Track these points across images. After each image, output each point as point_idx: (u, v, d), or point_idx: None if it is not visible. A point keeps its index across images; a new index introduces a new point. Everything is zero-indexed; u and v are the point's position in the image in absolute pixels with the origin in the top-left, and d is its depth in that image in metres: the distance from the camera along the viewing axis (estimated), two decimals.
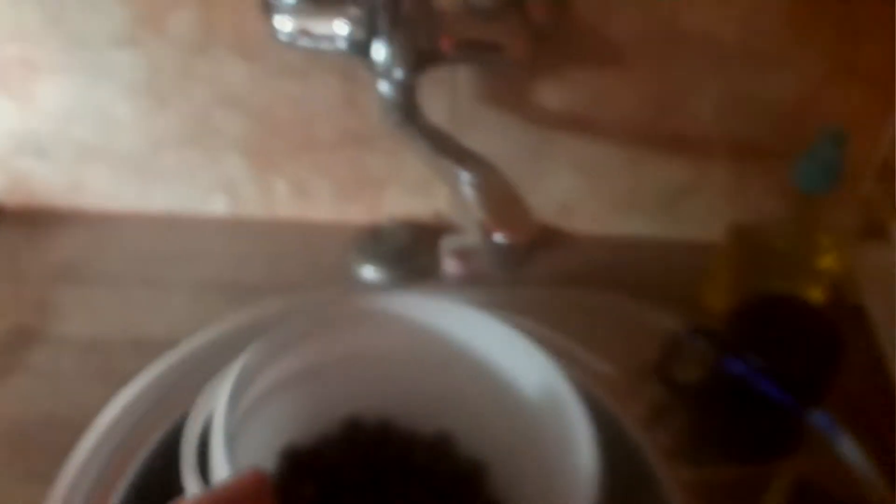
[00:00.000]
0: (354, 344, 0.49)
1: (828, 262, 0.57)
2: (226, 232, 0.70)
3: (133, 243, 0.69)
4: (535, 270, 0.63)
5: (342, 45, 0.54)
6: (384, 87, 0.54)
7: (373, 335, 0.49)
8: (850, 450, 0.51)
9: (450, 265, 0.64)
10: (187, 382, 0.55)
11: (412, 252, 0.65)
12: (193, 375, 0.56)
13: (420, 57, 0.54)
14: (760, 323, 0.51)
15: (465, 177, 0.46)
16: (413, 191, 0.68)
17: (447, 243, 0.65)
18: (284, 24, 0.55)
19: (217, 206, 0.71)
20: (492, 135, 0.64)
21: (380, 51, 0.53)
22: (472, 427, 0.50)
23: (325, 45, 0.55)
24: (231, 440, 0.39)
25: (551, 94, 0.62)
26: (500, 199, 0.43)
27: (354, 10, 0.53)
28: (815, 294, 0.59)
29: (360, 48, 0.54)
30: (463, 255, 0.64)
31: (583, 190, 0.67)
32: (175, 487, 0.54)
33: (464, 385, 0.49)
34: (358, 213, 0.70)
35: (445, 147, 0.51)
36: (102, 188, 0.71)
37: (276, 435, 0.49)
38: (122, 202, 0.71)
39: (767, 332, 0.50)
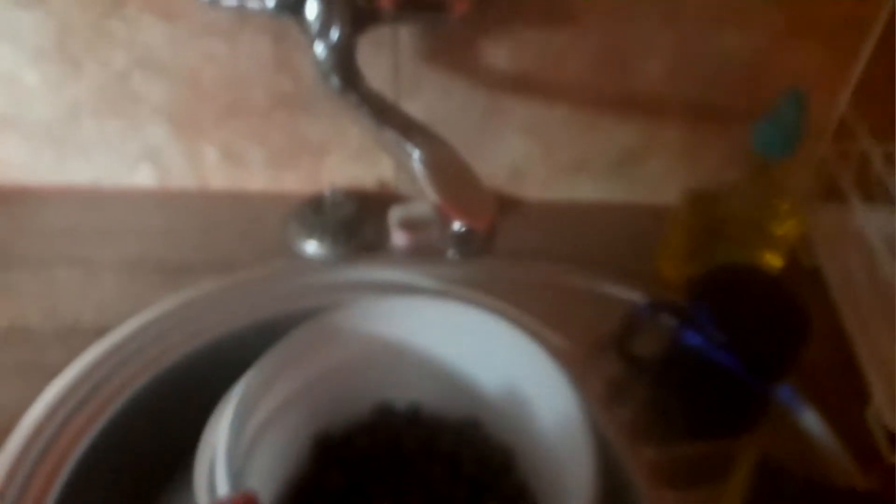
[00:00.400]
0: (377, 341, 0.50)
1: (786, 227, 0.56)
2: (154, 205, 0.66)
3: (53, 220, 0.64)
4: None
5: (270, 4, 0.50)
6: (320, 49, 0.50)
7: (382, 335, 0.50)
8: (812, 422, 0.50)
9: (398, 237, 0.61)
10: (121, 375, 0.52)
11: (357, 224, 0.62)
12: (128, 367, 0.52)
13: (357, 15, 0.49)
14: (721, 295, 0.49)
15: (413, 152, 0.43)
16: (355, 158, 0.64)
17: (394, 214, 0.62)
18: None
19: (143, 177, 0.66)
20: (437, 98, 0.60)
21: (313, 9, 0.48)
22: (497, 416, 0.51)
23: (252, 4, 0.50)
24: (237, 457, 0.40)
25: (498, 54, 0.58)
26: (454, 179, 0.39)
27: None
28: (773, 260, 0.58)
29: (290, 7, 0.49)
30: (412, 226, 0.61)
31: (534, 154, 0.64)
32: (113, 491, 0.51)
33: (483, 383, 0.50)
34: (296, 182, 0.66)
35: (390, 117, 0.47)
36: (17, 161, 0.65)
37: (310, 424, 0.49)
38: (39, 176, 0.66)
39: (729, 304, 0.49)
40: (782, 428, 0.51)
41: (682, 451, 0.49)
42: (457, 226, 0.36)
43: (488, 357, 0.49)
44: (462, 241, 0.36)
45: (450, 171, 0.40)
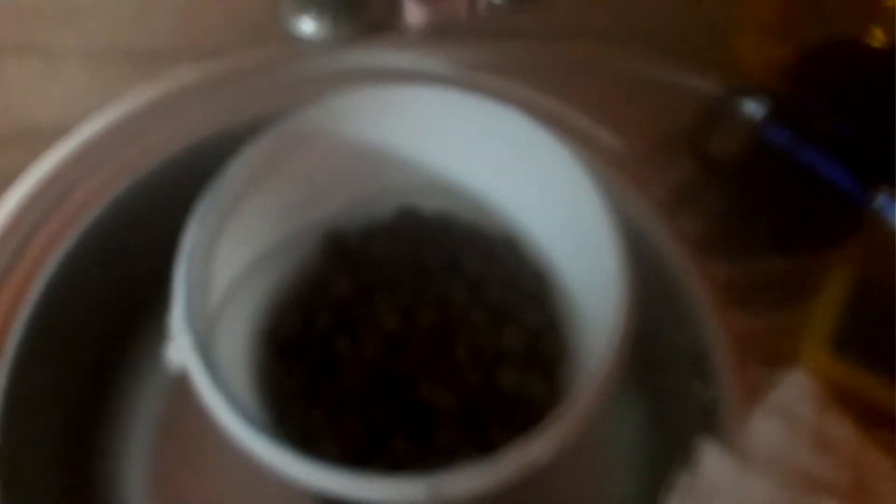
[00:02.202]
0: (392, 136, 0.42)
1: None
2: None
3: (4, 2, 0.53)
4: (522, 19, 0.49)
5: None
6: None
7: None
8: None
9: (413, 12, 0.50)
10: (91, 182, 0.44)
11: None
12: (100, 172, 0.44)
13: None
14: (817, 79, 0.39)
15: None
16: None
17: None
18: None
19: None
20: None
21: None
22: (532, 237, 0.43)
23: None
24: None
25: None
26: None
27: None
28: (878, 36, 0.46)
29: None
30: None
31: None
32: (90, 311, 0.44)
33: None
34: None
35: None
36: None
37: (322, 221, 0.43)
38: None
39: (826, 90, 0.39)
40: (878, 241, 0.42)
41: (760, 266, 0.41)
42: None
43: (523, 165, 0.40)
44: None
45: None
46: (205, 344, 0.32)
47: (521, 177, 0.41)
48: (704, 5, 0.52)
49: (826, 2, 0.45)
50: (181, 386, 0.32)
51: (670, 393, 0.43)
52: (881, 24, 0.45)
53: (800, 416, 0.34)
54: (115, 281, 0.45)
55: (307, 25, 0.50)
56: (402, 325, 0.39)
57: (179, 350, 0.31)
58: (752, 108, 0.44)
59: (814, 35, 0.42)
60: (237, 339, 0.37)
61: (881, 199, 0.42)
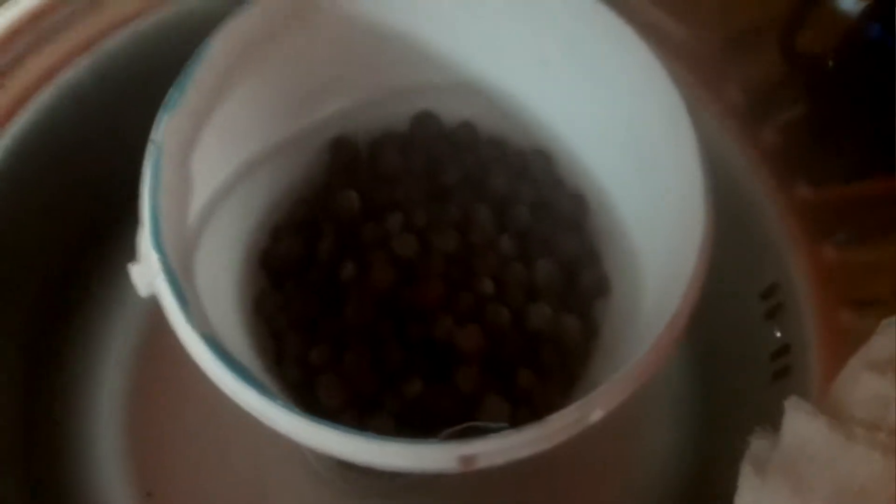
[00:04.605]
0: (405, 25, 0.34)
1: None
2: None
3: None
4: None
5: None
6: None
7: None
8: None
9: None
10: (35, 55, 0.36)
11: None
12: (44, 45, 0.36)
13: None
14: None
15: None
16: None
17: None
18: None
19: None
20: None
21: None
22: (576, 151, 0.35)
23: None
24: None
25: None
26: None
27: None
28: None
29: None
30: None
31: None
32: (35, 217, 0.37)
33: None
34: None
35: None
36: None
37: (327, 125, 0.35)
38: None
39: None
40: None
41: (851, 188, 0.34)
42: None
43: (572, 58, 0.33)
44: None
45: None
46: (181, 267, 0.26)
47: (567, 74, 0.33)
48: None
49: None
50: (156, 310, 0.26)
51: (731, 333, 0.37)
52: None
53: None
54: (70, 187, 0.38)
55: None
56: (418, 251, 0.32)
57: (148, 275, 0.25)
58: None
59: None
60: (222, 263, 0.31)
61: None
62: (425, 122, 0.37)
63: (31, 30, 0.36)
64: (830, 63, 0.35)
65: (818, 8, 0.35)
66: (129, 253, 0.26)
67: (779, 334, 0.33)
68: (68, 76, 0.36)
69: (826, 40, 0.35)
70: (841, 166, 0.35)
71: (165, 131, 0.27)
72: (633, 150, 0.32)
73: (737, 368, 0.36)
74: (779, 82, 0.36)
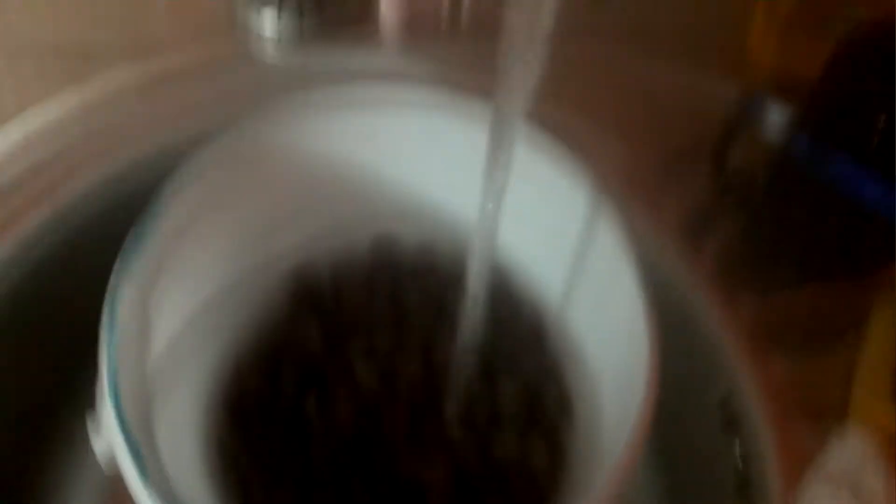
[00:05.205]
0: (359, 154, 0.35)
1: None
2: None
3: None
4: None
5: None
6: None
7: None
8: None
9: (389, 7, 0.44)
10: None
11: None
12: (9, 195, 0.37)
13: None
14: (850, 79, 0.34)
15: None
16: None
17: None
18: None
19: None
20: None
21: None
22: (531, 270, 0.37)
23: None
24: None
25: None
26: None
27: None
28: None
29: None
30: None
31: None
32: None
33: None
34: None
35: None
36: None
37: (290, 255, 0.36)
38: None
39: (862, 91, 0.33)
40: None
41: (793, 299, 0.36)
42: None
43: (519, 185, 0.34)
44: None
45: None
46: (139, 417, 0.25)
47: (517, 199, 0.35)
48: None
49: None
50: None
51: (695, 454, 0.38)
52: None
53: (866, 484, 0.28)
54: (29, 337, 0.37)
55: (266, 20, 0.43)
56: (381, 381, 0.33)
57: (105, 433, 0.25)
58: (778, 116, 0.39)
59: (841, 25, 0.37)
60: (185, 403, 0.30)
61: None
62: (385, 247, 0.38)
63: None
64: (762, 179, 0.37)
65: (749, 127, 0.37)
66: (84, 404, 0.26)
67: (738, 447, 0.34)
68: (31, 224, 0.36)
69: (756, 157, 0.38)
70: (781, 277, 0.36)
71: (122, 281, 0.27)
72: (582, 273, 0.33)
73: (701, 482, 0.37)
74: (716, 199, 0.38)
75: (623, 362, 0.29)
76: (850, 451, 0.30)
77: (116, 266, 0.27)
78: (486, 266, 0.30)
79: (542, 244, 0.36)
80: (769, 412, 0.33)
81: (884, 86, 0.33)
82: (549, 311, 0.36)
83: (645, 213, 0.38)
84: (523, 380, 0.34)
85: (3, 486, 0.36)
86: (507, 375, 0.34)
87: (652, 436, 0.39)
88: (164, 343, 0.29)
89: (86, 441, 0.26)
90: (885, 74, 0.33)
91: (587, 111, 0.41)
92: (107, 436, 0.25)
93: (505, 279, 0.37)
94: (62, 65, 0.42)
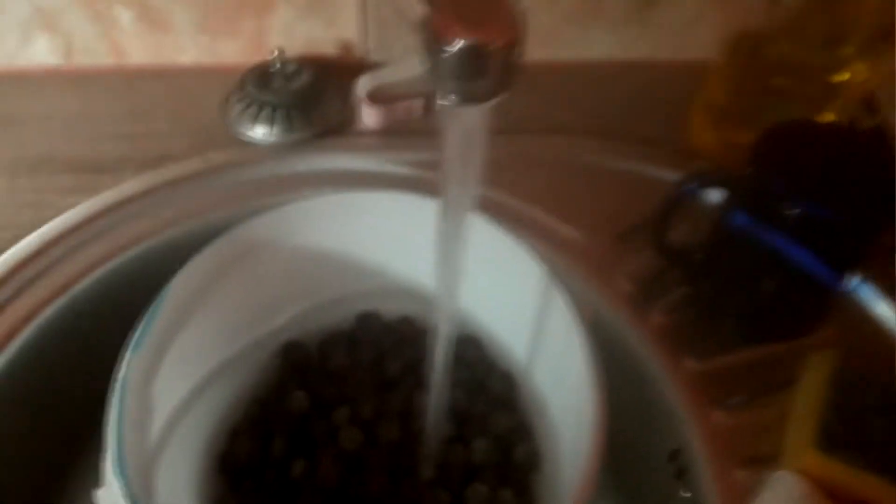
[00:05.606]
0: (348, 243, 0.40)
1: (850, 75, 0.45)
2: (57, 87, 0.53)
3: None
4: None
5: None
6: None
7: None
8: (890, 317, 0.41)
9: (368, 115, 0.49)
10: (23, 302, 0.41)
11: (314, 99, 0.49)
12: (31, 292, 0.41)
13: None
14: (776, 162, 0.38)
15: None
16: (308, 12, 0.51)
17: (363, 84, 0.50)
18: None
19: (39, 51, 0.53)
20: None
21: None
22: (498, 340, 0.42)
23: None
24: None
25: None
26: None
27: None
28: (830, 118, 0.47)
29: None
30: (385, 99, 0.49)
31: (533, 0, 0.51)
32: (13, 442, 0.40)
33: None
34: (234, 49, 0.53)
35: None
36: None
37: (280, 332, 0.41)
38: None
39: (786, 172, 0.38)
40: (851, 325, 0.41)
41: (731, 359, 0.40)
42: (458, 43, 0.21)
43: (485, 267, 0.39)
44: (466, 71, 0.22)
45: None
46: (142, 485, 0.29)
47: (484, 279, 0.39)
48: (660, 94, 0.52)
49: (781, 86, 0.46)
50: None
51: (648, 496, 0.41)
52: (833, 104, 0.46)
53: None
54: (47, 412, 0.41)
55: (257, 130, 0.48)
56: (363, 443, 0.36)
57: (111, 500, 0.28)
58: (714, 195, 0.43)
59: (770, 119, 0.42)
60: (184, 469, 0.34)
61: (854, 283, 0.41)
62: (368, 321, 0.42)
63: (17, 278, 0.41)
64: (698, 255, 0.41)
65: (688, 207, 0.42)
66: (94, 478, 0.29)
67: (687, 494, 0.37)
68: (46, 314, 0.40)
69: (696, 232, 0.42)
70: (720, 340, 0.40)
71: (129, 369, 0.30)
72: (543, 342, 0.37)
73: None
74: (660, 272, 0.42)
75: (578, 418, 0.33)
76: (780, 494, 0.33)
77: (128, 346, 0.31)
78: (450, 338, 0.33)
79: (507, 318, 0.40)
80: (713, 462, 0.36)
81: (802, 173, 0.37)
82: (517, 375, 0.40)
83: (599, 285, 0.42)
84: (495, 437, 0.38)
85: None
86: (481, 433, 0.38)
87: (611, 483, 0.43)
88: (166, 415, 0.33)
89: None
90: (803, 165, 0.38)
91: (548, 198, 0.45)
92: (111, 499, 0.28)
93: (478, 349, 0.41)
94: (74, 177, 0.47)
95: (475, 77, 0.22)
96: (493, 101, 0.23)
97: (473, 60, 0.21)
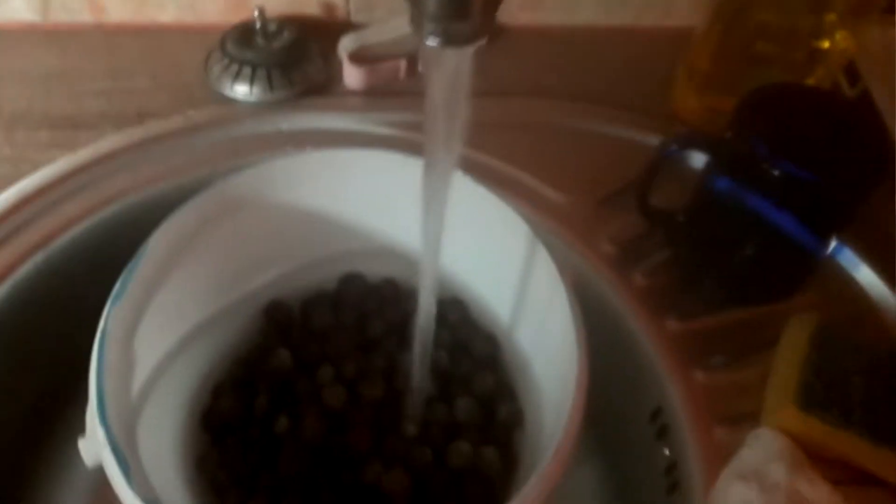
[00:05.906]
0: (327, 202, 0.39)
1: (833, 42, 0.45)
2: (36, 44, 0.52)
3: None
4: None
5: None
6: None
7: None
8: (870, 281, 0.41)
9: (351, 74, 0.49)
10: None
11: (297, 59, 0.49)
12: (4, 247, 0.41)
13: None
14: (757, 125, 0.38)
15: None
16: None
17: (345, 44, 0.49)
18: None
19: (17, 7, 0.51)
20: None
21: None
22: (483, 300, 0.41)
23: None
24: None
25: None
26: None
27: None
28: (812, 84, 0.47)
29: None
30: (368, 59, 0.48)
31: None
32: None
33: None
34: (215, 8, 0.52)
35: None
36: None
37: (263, 292, 0.40)
38: None
39: (767, 135, 0.38)
40: (832, 288, 0.41)
41: (713, 320, 0.40)
42: None
43: (469, 227, 0.38)
44: (448, 11, 0.22)
45: None
46: (125, 438, 0.29)
47: (468, 239, 0.39)
48: (644, 60, 0.52)
49: (764, 52, 0.46)
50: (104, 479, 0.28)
51: (630, 455, 0.41)
52: (816, 71, 0.46)
53: (771, 477, 0.32)
54: (29, 366, 0.41)
55: (239, 89, 0.48)
56: (347, 401, 0.36)
57: (94, 447, 0.28)
58: (696, 158, 0.43)
59: (753, 85, 0.42)
60: (167, 424, 0.34)
61: (834, 246, 0.41)
62: (352, 282, 0.42)
63: None
64: (681, 217, 0.42)
65: (668, 168, 0.42)
66: (79, 427, 0.29)
67: (667, 452, 0.37)
68: (27, 269, 0.39)
69: (678, 195, 0.42)
70: (702, 302, 0.41)
71: (109, 320, 0.30)
72: (526, 302, 0.37)
73: (638, 485, 0.40)
74: (643, 234, 0.42)
75: (561, 378, 0.33)
76: (758, 450, 0.33)
77: (109, 298, 0.30)
78: (433, 299, 0.33)
79: (491, 279, 0.40)
80: (693, 421, 0.37)
81: (783, 136, 0.37)
82: (500, 336, 0.40)
83: (582, 247, 0.42)
84: (479, 396, 0.38)
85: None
86: (465, 393, 0.38)
87: (594, 443, 0.43)
88: (148, 370, 0.32)
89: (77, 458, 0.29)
90: (784, 128, 0.38)
91: (532, 161, 0.45)
92: (97, 450, 0.28)
93: (462, 310, 0.41)
94: (53, 134, 0.46)
95: (457, 18, 0.22)
96: (475, 44, 0.23)
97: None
